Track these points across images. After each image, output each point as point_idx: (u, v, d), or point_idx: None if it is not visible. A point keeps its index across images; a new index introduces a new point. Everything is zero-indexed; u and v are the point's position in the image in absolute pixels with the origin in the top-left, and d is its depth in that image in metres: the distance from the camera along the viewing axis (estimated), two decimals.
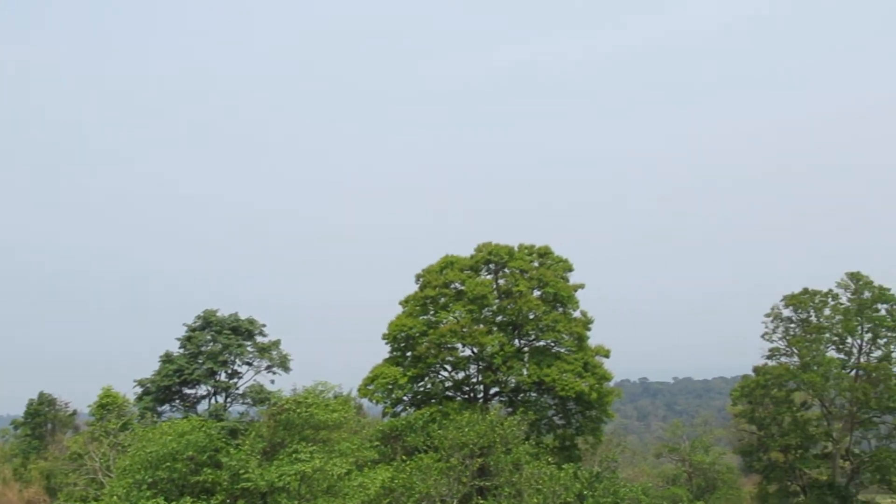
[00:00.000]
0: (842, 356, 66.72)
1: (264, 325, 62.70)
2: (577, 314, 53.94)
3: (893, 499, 68.02)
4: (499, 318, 54.14)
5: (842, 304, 66.84)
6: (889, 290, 65.92)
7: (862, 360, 66.34)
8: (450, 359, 52.97)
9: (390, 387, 51.67)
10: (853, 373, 66.26)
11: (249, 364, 61.74)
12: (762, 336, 68.30)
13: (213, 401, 61.80)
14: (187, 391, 62.36)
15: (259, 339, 62.24)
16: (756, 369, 67.52)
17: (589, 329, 53.97)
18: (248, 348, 61.51)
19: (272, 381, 62.42)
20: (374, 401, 53.08)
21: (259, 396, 60.18)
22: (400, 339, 53.49)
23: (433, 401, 52.93)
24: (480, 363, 53.75)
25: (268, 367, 61.72)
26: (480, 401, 53.78)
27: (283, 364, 61.54)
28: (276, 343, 62.30)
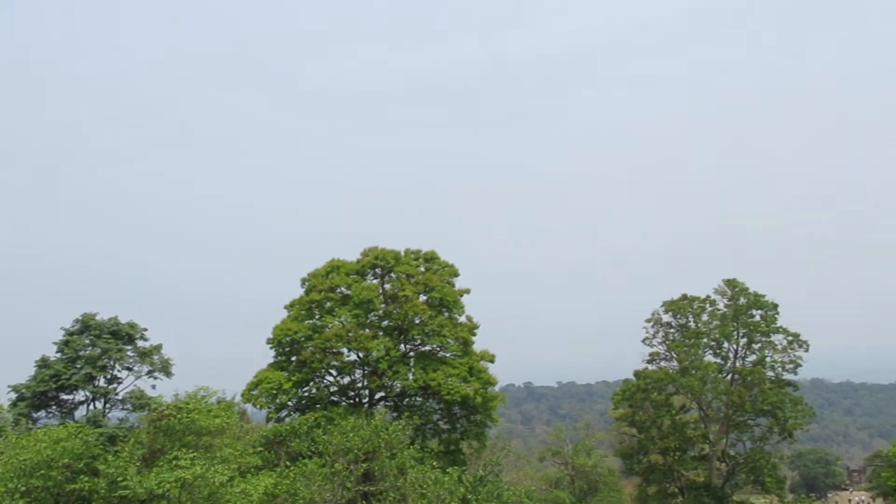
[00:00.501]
0: (719, 360, 69.03)
1: (145, 329, 61.39)
2: (462, 319, 54.46)
3: (767, 499, 70.45)
4: (385, 323, 54.24)
5: (719, 309, 69.11)
6: (763, 296, 68.50)
7: (737, 364, 68.74)
8: (335, 363, 52.81)
9: (274, 392, 51.19)
10: (729, 377, 68.60)
11: (130, 369, 60.27)
12: (643, 341, 70.14)
13: (91, 407, 60.09)
14: (64, 397, 60.47)
15: (140, 343, 60.87)
16: (637, 373, 69.15)
17: (474, 334, 54.56)
18: (129, 353, 60.06)
19: (153, 387, 61.17)
20: (258, 406, 52.54)
21: (139, 402, 58.82)
22: (285, 343, 53.05)
23: (318, 406, 52.68)
24: (366, 368, 53.78)
25: (149, 373, 60.37)
26: (366, 406, 53.80)
27: (165, 369, 60.30)
28: (158, 347, 61.05)
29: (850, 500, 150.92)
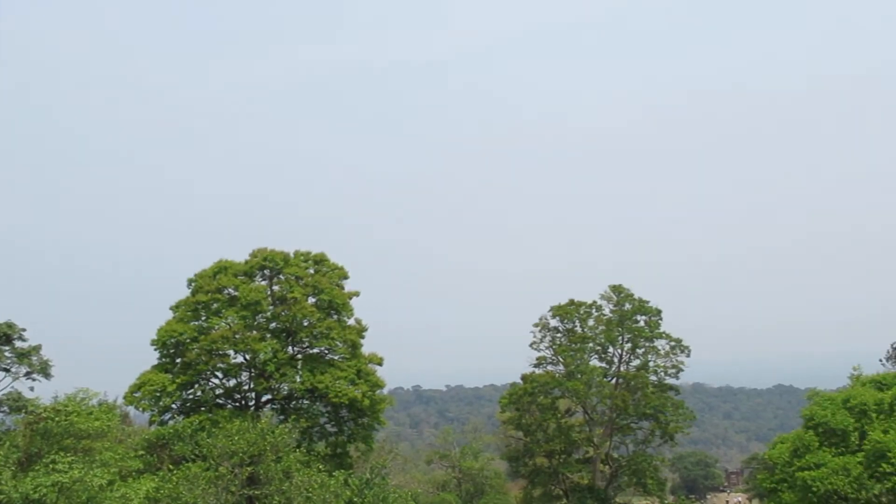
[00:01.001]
0: (604, 365, 70.47)
1: (24, 329, 59.55)
2: (351, 322, 54.51)
3: (648, 501, 72.03)
4: (272, 325, 53.88)
5: (605, 315, 70.49)
6: (648, 302, 70.35)
7: (622, 368, 70.31)
8: (221, 366, 52.23)
9: (158, 394, 50.36)
10: (614, 381, 70.13)
11: (7, 370, 58.36)
12: (530, 345, 70.97)
13: None
14: None
15: (18, 343, 59.02)
16: (524, 377, 69.87)
17: (363, 336, 54.67)
18: (6, 353, 58.18)
19: (31, 389, 59.36)
20: (141, 409, 51.58)
21: (16, 404, 57.00)
22: (169, 345, 52.19)
23: (203, 408, 52.03)
24: (253, 370, 53.34)
25: (27, 374, 58.57)
26: (252, 408, 53.37)
27: (44, 370, 58.55)
28: (37, 348, 59.29)
29: (727, 502, 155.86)
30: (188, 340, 51.60)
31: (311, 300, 53.67)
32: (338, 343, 52.37)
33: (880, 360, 64.41)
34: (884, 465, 38.51)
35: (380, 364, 54.54)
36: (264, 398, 54.39)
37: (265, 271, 55.14)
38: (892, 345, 64.55)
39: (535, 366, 70.45)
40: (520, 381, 70.78)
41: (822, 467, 39.52)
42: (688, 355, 69.85)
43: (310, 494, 38.28)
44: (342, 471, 37.07)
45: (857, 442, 41.45)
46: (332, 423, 54.12)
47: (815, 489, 39.01)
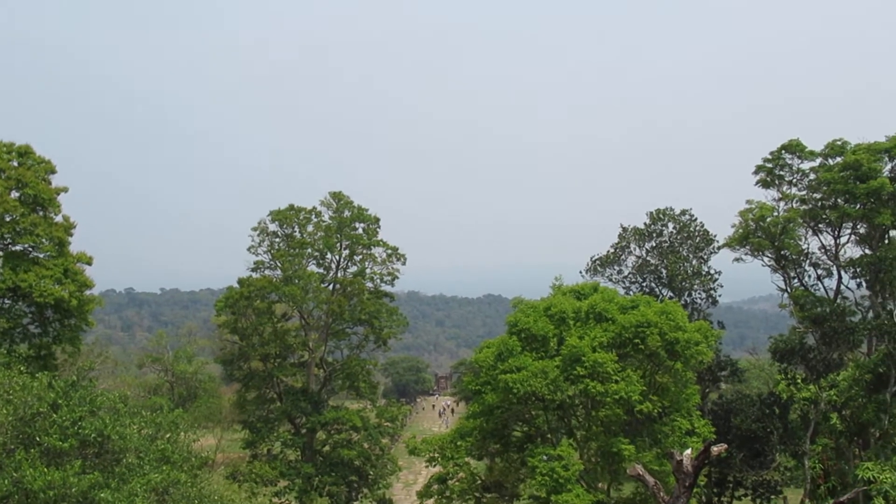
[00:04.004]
0: (321, 271, 70.94)
1: None
2: (58, 219, 51.87)
3: (361, 403, 73.96)
4: None
5: (324, 221, 70.78)
6: (367, 209, 71.28)
7: (339, 275, 71.21)
8: None
9: None
10: (331, 287, 71.05)
11: None
12: (248, 249, 70.06)
13: None
14: None
15: None
16: (241, 281, 68.99)
17: (71, 234, 52.19)
18: None
19: None
20: None
21: None
22: None
23: None
24: None
25: None
26: None
27: None
28: None
29: (434, 406, 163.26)
30: None
31: (14, 194, 50.49)
32: (43, 240, 49.69)
33: (580, 272, 69.12)
34: (578, 369, 41.52)
35: (89, 263, 52.39)
36: None
37: None
38: (591, 258, 69.23)
39: (253, 270, 69.63)
40: (237, 285, 69.96)
41: (523, 370, 41.70)
42: (403, 263, 71.62)
43: (10, 397, 36.73)
44: (46, 373, 35.70)
45: (555, 347, 44.30)
46: (37, 324, 51.65)
47: (515, 390, 41.18)
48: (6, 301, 50.53)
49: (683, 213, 67.63)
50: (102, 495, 27.45)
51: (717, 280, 66.33)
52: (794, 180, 61.97)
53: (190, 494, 31.03)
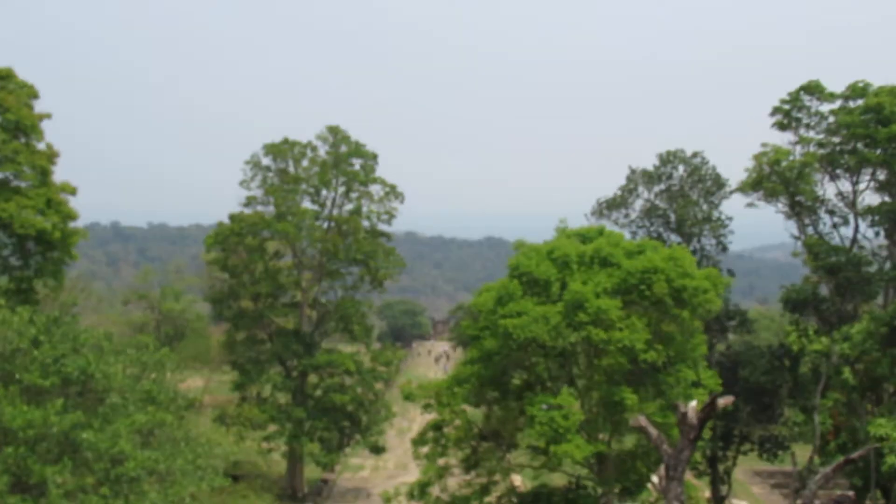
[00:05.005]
0: (316, 208, 70.68)
1: None
2: (41, 146, 51.49)
3: (355, 347, 74.08)
4: None
5: (320, 156, 70.44)
6: (364, 145, 70.90)
7: (334, 212, 70.99)
8: None
9: None
10: (325, 224, 70.88)
11: None
12: (240, 183, 69.71)
13: None
14: None
15: None
16: (232, 217, 68.81)
17: (54, 163, 51.80)
18: None
19: None
20: None
21: None
22: None
23: None
24: None
25: None
26: None
27: None
28: None
29: (430, 351, 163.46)
30: None
31: None
32: (25, 169, 49.37)
33: (585, 215, 68.89)
34: (581, 315, 41.10)
35: (73, 194, 52.15)
36: None
37: None
38: (597, 200, 68.93)
39: (245, 206, 69.37)
40: (227, 221, 69.63)
41: (524, 315, 41.43)
42: (402, 202, 71.48)
43: None
44: (27, 307, 35.66)
45: (558, 292, 44.03)
46: (18, 256, 51.48)
47: (515, 336, 40.79)
48: None
49: (695, 155, 67.20)
50: (85, 435, 27.57)
51: (727, 226, 66.11)
52: (813, 123, 61.33)
53: (176, 436, 31.24)
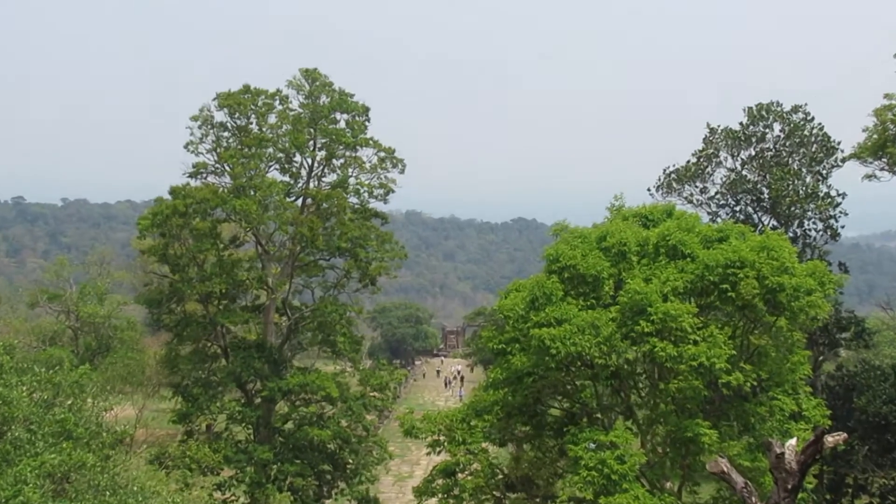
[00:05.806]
0: (287, 179, 68.14)
1: None
2: None
3: (338, 365, 73.03)
4: None
5: (292, 110, 68.00)
6: (352, 95, 68.71)
7: (312, 185, 68.90)
8: None
9: None
10: (300, 201, 69.21)
11: None
12: (186, 146, 66.81)
13: None
14: None
15: None
16: (174, 191, 65.79)
17: None
18: None
19: None
20: None
21: None
22: None
23: None
24: None
25: None
26: None
27: None
28: None
29: (439, 371, 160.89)
30: None
31: None
32: None
33: (648, 190, 68.48)
34: (642, 324, 39.98)
35: None
36: None
37: None
38: (664, 170, 68.46)
39: (192, 176, 66.95)
40: (168, 196, 66.97)
41: (566, 324, 40.56)
42: (402, 171, 69.67)
43: None
44: None
45: (611, 293, 43.44)
46: None
47: (553, 351, 39.69)
48: None
49: (795, 109, 66.96)
50: None
51: (839, 205, 65.92)
52: None
53: (99, 483, 31.24)
